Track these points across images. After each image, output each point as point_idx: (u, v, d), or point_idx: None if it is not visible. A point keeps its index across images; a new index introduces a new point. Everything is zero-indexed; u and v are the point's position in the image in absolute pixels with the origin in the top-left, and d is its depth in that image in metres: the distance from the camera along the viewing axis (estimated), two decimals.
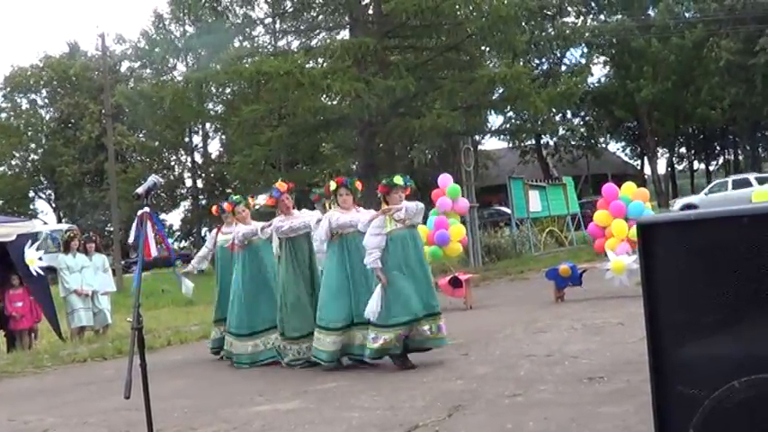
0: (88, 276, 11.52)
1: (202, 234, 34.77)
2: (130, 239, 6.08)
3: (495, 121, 35.33)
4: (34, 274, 11.09)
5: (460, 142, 20.02)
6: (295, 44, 25.82)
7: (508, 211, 23.57)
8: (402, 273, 6.81)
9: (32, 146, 45.55)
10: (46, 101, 46.05)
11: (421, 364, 6.90)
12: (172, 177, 40.49)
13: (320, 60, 22.41)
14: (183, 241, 42.85)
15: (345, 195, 7.32)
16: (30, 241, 11.23)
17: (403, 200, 7.00)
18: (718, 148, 50.71)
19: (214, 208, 9.28)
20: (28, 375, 9.00)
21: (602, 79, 42.91)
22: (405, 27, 20.74)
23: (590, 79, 38.24)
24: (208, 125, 37.48)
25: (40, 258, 11.21)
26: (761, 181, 26.99)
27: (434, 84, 21.21)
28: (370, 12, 21.50)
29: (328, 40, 22.92)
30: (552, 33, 35.45)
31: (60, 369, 9.26)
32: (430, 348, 7.03)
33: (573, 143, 43.26)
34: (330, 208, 7.60)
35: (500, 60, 25.76)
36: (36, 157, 45.55)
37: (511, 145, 42.35)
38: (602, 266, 10.77)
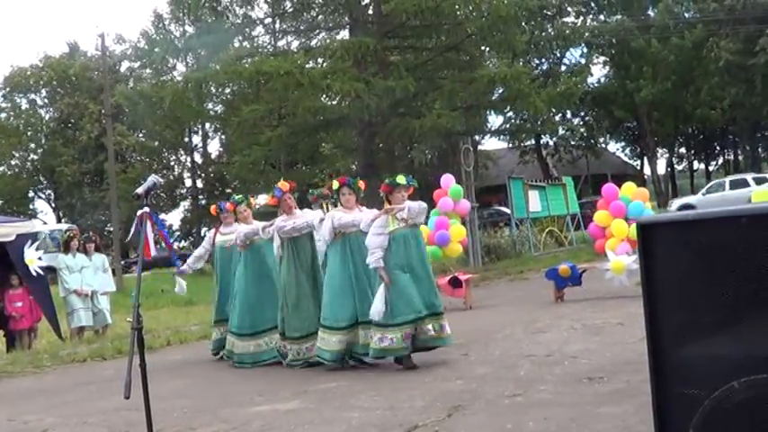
0: (88, 276, 11.51)
1: (202, 234, 34.75)
2: (128, 239, 6.10)
3: (494, 121, 35.40)
4: (34, 273, 11.08)
5: (460, 142, 20.02)
6: (295, 44, 25.86)
7: (508, 211, 23.57)
8: (404, 272, 6.81)
9: (32, 146, 45.53)
10: (46, 101, 46.05)
11: (421, 364, 6.90)
12: (171, 177, 40.46)
13: (320, 60, 22.42)
14: (183, 241, 42.81)
15: (348, 195, 7.32)
16: (29, 241, 11.22)
17: (406, 199, 7.00)
18: (717, 148, 50.71)
19: (213, 208, 9.26)
20: (28, 375, 9.00)
21: (602, 79, 42.95)
22: (404, 27, 20.74)
23: (590, 79, 38.26)
24: (207, 125, 37.46)
25: (40, 258, 11.20)
26: (758, 181, 27.05)
27: (434, 84, 21.22)
28: (370, 12, 21.51)
29: (328, 41, 22.93)
30: (552, 33, 35.45)
31: (60, 369, 9.26)
32: (434, 348, 7.02)
33: (573, 143, 43.26)
34: (328, 209, 7.60)
35: (500, 60, 25.76)
36: (36, 157, 45.54)
37: (510, 145, 42.34)
38: (601, 266, 10.77)
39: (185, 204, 42.34)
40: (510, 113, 33.04)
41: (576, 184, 29.83)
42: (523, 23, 25.19)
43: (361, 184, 7.58)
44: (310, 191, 9.07)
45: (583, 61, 39.08)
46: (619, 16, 39.29)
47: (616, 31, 37.33)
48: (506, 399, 5.37)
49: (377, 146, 21.88)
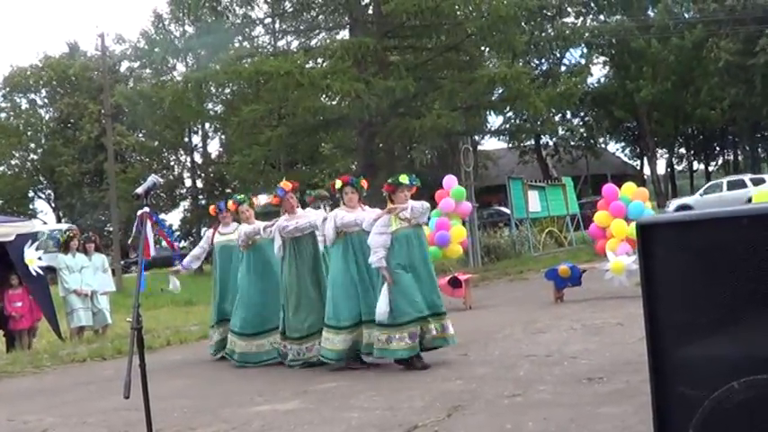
0: (87, 276, 11.51)
1: (201, 234, 34.67)
2: (130, 240, 6.09)
3: (494, 121, 35.37)
4: (33, 273, 11.08)
5: (460, 142, 20.02)
6: (295, 44, 25.85)
7: (507, 211, 23.58)
8: (406, 272, 6.81)
9: (32, 146, 45.52)
10: (45, 101, 46.04)
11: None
12: (171, 177, 40.42)
13: (320, 60, 22.41)
14: (183, 241, 42.76)
15: (351, 194, 7.32)
16: (29, 241, 11.22)
17: (408, 199, 7.00)
18: (717, 148, 50.72)
19: (212, 208, 9.24)
20: (27, 375, 9.00)
21: (602, 80, 42.97)
22: (404, 27, 20.74)
23: (589, 80, 38.27)
24: (207, 125, 37.42)
25: (40, 258, 11.20)
26: (755, 182, 27.11)
27: (434, 84, 21.21)
28: (370, 12, 21.51)
29: (328, 41, 22.93)
30: (552, 34, 35.44)
31: (60, 369, 9.26)
32: (437, 348, 7.01)
33: (572, 143, 43.26)
34: (325, 210, 7.60)
35: (500, 60, 25.76)
36: (35, 157, 45.53)
37: (510, 145, 42.35)
38: (601, 267, 10.77)
39: (185, 204, 42.33)
40: (510, 114, 33.04)
41: (576, 184, 29.83)
42: (523, 24, 25.19)
43: (364, 183, 7.57)
44: (308, 191, 9.05)
45: (583, 61, 39.11)
46: (618, 16, 39.30)
47: (616, 32, 37.34)
48: (506, 399, 5.37)
49: (377, 146, 21.88)
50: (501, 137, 40.57)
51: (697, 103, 39.15)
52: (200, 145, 40.10)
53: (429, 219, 11.78)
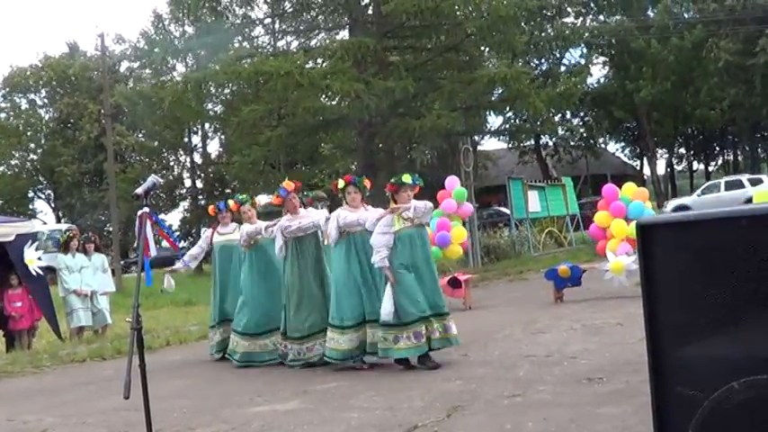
0: (87, 276, 11.52)
1: (201, 234, 34.48)
2: (136, 243, 6.09)
3: (494, 121, 35.37)
4: (33, 273, 11.08)
5: (460, 143, 20.01)
6: (294, 44, 25.84)
7: (507, 211, 23.58)
8: (409, 272, 6.81)
9: (32, 146, 45.51)
10: (45, 101, 46.03)
11: (420, 365, 6.90)
12: (171, 177, 40.39)
13: (320, 61, 22.41)
14: (183, 241, 42.77)
15: (354, 194, 7.32)
16: (29, 241, 11.22)
17: (411, 198, 7.00)
18: (717, 148, 50.70)
19: (211, 208, 9.23)
20: (27, 375, 9.00)
21: (602, 80, 42.91)
22: (404, 27, 20.74)
23: (589, 80, 38.20)
24: (207, 125, 37.41)
25: (39, 258, 11.20)
26: (753, 182, 27.14)
27: (434, 84, 21.21)
28: (370, 12, 21.50)
29: (328, 41, 22.92)
30: (551, 34, 35.44)
31: (59, 369, 9.26)
32: (439, 348, 6.99)
33: (572, 144, 43.25)
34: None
35: (499, 61, 25.76)
36: (35, 158, 45.52)
37: (510, 145, 42.35)
38: (601, 267, 10.77)
39: (185, 204, 42.32)
40: (509, 114, 33.04)
41: (576, 184, 29.83)
42: (523, 24, 25.18)
43: (367, 182, 7.57)
44: (305, 192, 9.04)
45: (582, 62, 39.07)
46: (618, 17, 39.26)
47: (615, 32, 37.32)
48: (506, 399, 5.38)
49: (376, 146, 21.88)
50: (501, 137, 40.60)
51: (697, 103, 39.13)
52: (200, 145, 40.11)
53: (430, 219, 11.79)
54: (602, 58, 41.99)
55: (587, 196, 35.60)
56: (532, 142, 42.00)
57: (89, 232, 13.86)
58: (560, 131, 40.38)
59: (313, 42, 23.75)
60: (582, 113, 42.75)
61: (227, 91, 29.04)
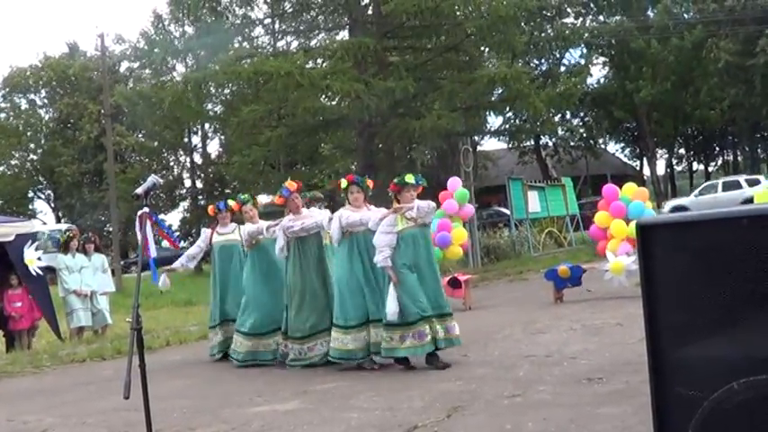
0: (87, 277, 11.51)
1: (201, 234, 34.42)
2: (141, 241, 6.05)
3: (494, 121, 35.34)
4: (33, 274, 11.08)
5: (460, 143, 20.00)
6: (294, 45, 25.84)
7: (507, 211, 23.58)
8: (411, 272, 6.80)
9: (32, 146, 45.49)
10: (45, 101, 46.02)
11: (420, 365, 6.90)
12: (171, 178, 40.39)
13: (319, 61, 22.41)
14: (183, 241, 42.76)
15: (356, 193, 7.32)
16: (29, 241, 11.22)
17: (414, 198, 6.99)
18: (717, 148, 50.68)
19: (211, 208, 9.22)
20: (27, 375, 9.00)
21: (602, 80, 42.84)
22: (404, 27, 20.73)
23: (589, 80, 38.16)
24: (207, 125, 37.41)
25: (39, 258, 11.20)
26: (751, 183, 27.18)
27: (434, 84, 21.21)
28: (370, 12, 21.49)
29: (327, 41, 22.92)
30: (551, 34, 35.42)
31: (59, 369, 9.26)
32: (442, 348, 6.99)
33: (572, 144, 43.23)
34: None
35: (499, 61, 25.75)
36: (35, 158, 45.51)
37: (510, 146, 42.34)
38: (601, 267, 10.77)
39: (184, 205, 42.32)
40: (509, 114, 33.02)
41: (576, 184, 29.83)
42: (523, 24, 25.19)
43: (370, 182, 7.57)
44: (303, 193, 9.03)
45: (582, 62, 39.04)
46: (618, 17, 39.24)
47: (615, 32, 37.29)
48: (505, 399, 5.38)
49: (376, 146, 21.87)
50: (501, 137, 40.56)
51: (697, 103, 39.12)
52: (200, 145, 40.11)
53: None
54: (602, 59, 41.96)
55: (587, 196, 35.59)
56: (532, 142, 41.98)
57: (89, 232, 13.86)
58: (560, 132, 40.37)
59: (313, 42, 23.77)
60: (582, 114, 42.73)
61: (226, 91, 29.05)
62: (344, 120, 21.02)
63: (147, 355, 4.61)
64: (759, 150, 44.71)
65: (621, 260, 10.26)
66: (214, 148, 46.68)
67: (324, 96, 21.11)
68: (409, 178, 7.04)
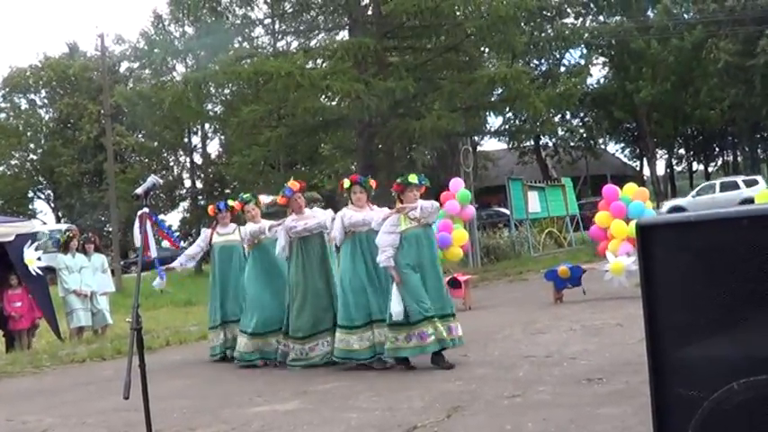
0: (87, 277, 11.51)
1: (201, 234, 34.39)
2: (137, 242, 6.05)
3: (494, 122, 35.34)
4: (33, 274, 11.08)
5: (459, 143, 20.00)
6: (294, 45, 25.83)
7: (507, 212, 23.58)
8: (415, 272, 6.80)
9: (31, 146, 45.54)
10: (45, 101, 46.05)
11: (420, 365, 6.90)
12: (171, 178, 40.40)
13: (319, 61, 22.40)
14: (183, 242, 42.75)
15: (359, 193, 7.31)
16: (29, 241, 11.22)
17: (418, 198, 6.99)
18: (717, 149, 50.69)
19: (211, 208, 9.21)
20: (27, 375, 9.00)
21: (602, 80, 42.87)
22: (404, 28, 20.72)
23: (589, 80, 38.21)
24: (207, 126, 37.40)
25: (39, 258, 11.20)
26: (748, 183, 27.22)
27: (434, 84, 21.20)
28: (370, 12, 21.48)
29: (327, 41, 22.91)
30: (551, 34, 35.41)
31: (59, 369, 9.26)
32: (451, 348, 6.97)
33: (572, 144, 43.24)
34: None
35: (499, 61, 25.75)
36: (35, 158, 45.54)
37: (510, 146, 42.34)
38: (601, 267, 10.77)
39: (184, 205, 42.33)
40: (509, 114, 33.03)
41: (576, 184, 29.84)
42: (523, 24, 25.18)
43: (373, 182, 7.56)
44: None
45: (582, 62, 39.07)
46: (618, 17, 39.25)
47: (615, 32, 37.30)
48: (505, 399, 5.38)
49: (376, 147, 21.86)
50: (501, 137, 40.59)
51: (696, 103, 39.13)
52: (200, 145, 40.11)
53: None
54: (601, 59, 41.98)
55: (587, 197, 35.60)
56: (532, 143, 41.99)
57: (89, 232, 13.87)
58: (560, 132, 40.38)
59: (313, 43, 23.75)
60: (582, 114, 42.74)
61: (226, 91, 29.06)
62: (344, 120, 21.01)
63: (147, 355, 4.61)
64: (759, 150, 44.70)
65: (621, 260, 10.26)
66: (214, 148, 46.71)
67: (324, 96, 21.10)
68: (412, 178, 7.03)
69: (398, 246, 6.83)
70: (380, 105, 18.82)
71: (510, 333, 8.51)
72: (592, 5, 40.38)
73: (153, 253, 9.22)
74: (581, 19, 40.29)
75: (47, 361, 9.63)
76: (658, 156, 46.06)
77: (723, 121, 40.96)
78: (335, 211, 7.65)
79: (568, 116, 41.64)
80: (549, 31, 35.35)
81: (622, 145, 49.75)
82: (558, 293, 10.98)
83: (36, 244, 11.58)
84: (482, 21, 19.54)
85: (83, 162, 42.15)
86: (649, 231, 2.72)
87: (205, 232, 9.16)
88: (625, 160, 50.77)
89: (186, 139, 38.99)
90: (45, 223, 38.07)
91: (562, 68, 38.45)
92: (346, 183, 7.44)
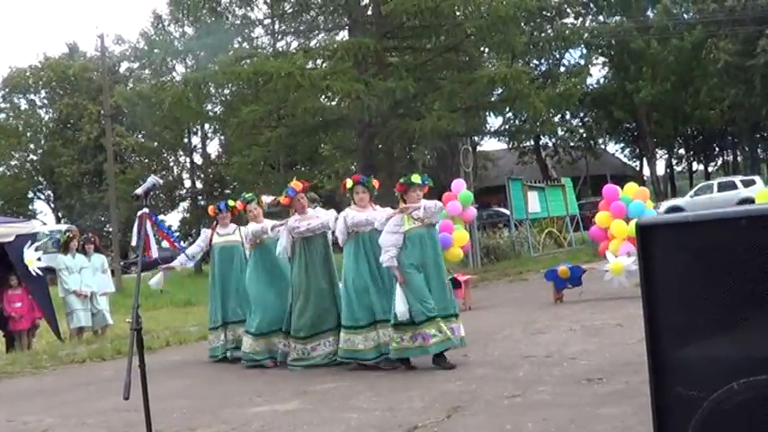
0: (87, 277, 11.51)
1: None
2: (133, 242, 6.04)
3: (494, 122, 35.34)
4: (33, 274, 11.08)
5: (459, 143, 19.99)
6: (294, 45, 25.83)
7: (507, 212, 23.58)
8: (418, 272, 6.80)
9: (31, 146, 45.56)
10: (45, 101, 46.06)
11: (420, 365, 6.90)
12: (171, 178, 40.42)
13: (319, 61, 22.40)
14: (183, 242, 42.72)
15: (362, 193, 7.30)
16: (29, 242, 11.22)
17: (421, 198, 6.99)
18: (717, 149, 50.69)
19: (211, 208, 9.20)
20: (27, 376, 9.00)
21: (601, 80, 42.90)
22: (404, 28, 20.73)
23: (589, 80, 38.23)
24: (207, 126, 37.42)
25: (39, 259, 11.20)
26: (746, 184, 27.25)
27: (434, 85, 21.20)
28: (369, 12, 21.48)
29: (327, 41, 22.92)
30: (551, 34, 35.41)
31: (59, 369, 9.26)
32: (447, 349, 6.98)
33: (572, 144, 43.25)
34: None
35: (499, 61, 25.75)
36: (35, 158, 45.56)
37: (510, 146, 42.33)
38: (601, 267, 10.77)
39: (184, 205, 42.35)
40: (509, 114, 33.03)
41: (576, 184, 29.85)
42: (523, 24, 25.18)
43: (376, 183, 7.56)
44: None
45: (582, 62, 39.08)
46: (618, 17, 39.26)
47: (615, 32, 37.31)
48: (505, 399, 5.38)
49: (376, 147, 21.86)
50: (500, 138, 40.60)
51: (696, 103, 39.14)
52: (200, 146, 40.13)
53: None
54: (601, 59, 41.99)
55: (587, 197, 35.62)
56: (532, 143, 42.00)
57: (89, 233, 13.86)
58: (560, 132, 40.40)
59: (313, 43, 23.75)
60: (582, 114, 42.76)
61: (226, 91, 29.07)
62: (344, 120, 21.02)
63: (147, 355, 4.61)
64: (759, 150, 44.70)
65: (621, 260, 10.26)
66: (214, 148, 46.71)
67: (324, 97, 21.12)
68: (416, 178, 7.02)
69: (402, 246, 6.82)
70: (380, 105, 18.82)
71: (510, 333, 8.51)
72: (592, 5, 40.38)
73: (154, 253, 9.21)
74: (581, 19, 40.31)
75: (47, 361, 9.63)
76: (658, 156, 46.08)
77: (723, 121, 40.96)
78: (338, 211, 7.65)
79: (568, 116, 41.66)
80: (549, 31, 35.33)
81: (622, 145, 49.77)
82: (558, 293, 10.98)
83: (36, 244, 11.57)
84: (482, 21, 19.54)
85: (83, 162, 42.17)
86: (649, 231, 2.72)
87: (205, 232, 9.15)
88: (625, 160, 50.78)
89: (186, 140, 39.01)
90: (45, 224, 38.11)
91: (562, 68, 38.47)
92: (349, 183, 7.43)
